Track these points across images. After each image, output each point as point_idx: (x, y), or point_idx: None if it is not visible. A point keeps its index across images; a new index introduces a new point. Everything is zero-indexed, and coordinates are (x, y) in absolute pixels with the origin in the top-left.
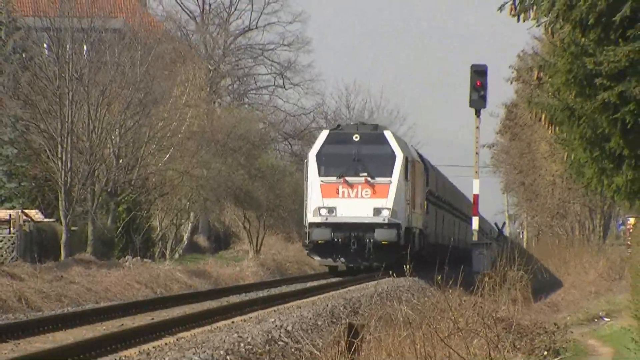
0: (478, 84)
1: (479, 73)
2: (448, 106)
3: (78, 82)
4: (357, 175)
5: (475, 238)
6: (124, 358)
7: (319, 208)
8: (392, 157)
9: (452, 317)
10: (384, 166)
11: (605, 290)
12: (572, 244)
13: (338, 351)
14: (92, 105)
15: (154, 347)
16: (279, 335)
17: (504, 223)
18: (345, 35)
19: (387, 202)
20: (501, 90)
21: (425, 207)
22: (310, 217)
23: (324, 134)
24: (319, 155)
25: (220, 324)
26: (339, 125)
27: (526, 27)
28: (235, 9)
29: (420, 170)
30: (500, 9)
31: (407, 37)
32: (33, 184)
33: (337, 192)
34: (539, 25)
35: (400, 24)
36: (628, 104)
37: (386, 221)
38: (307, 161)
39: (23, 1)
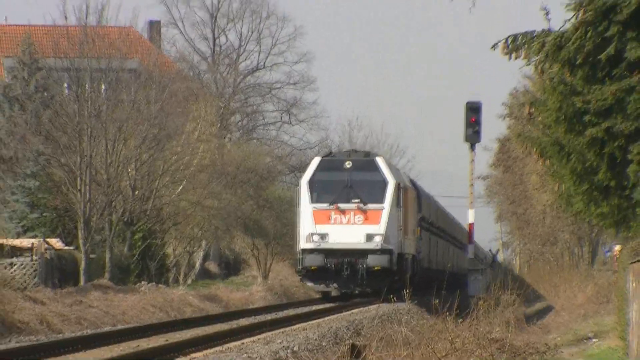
0: (472, 120)
1: (473, 110)
2: (445, 140)
3: (96, 118)
4: (349, 201)
5: (470, 264)
6: None
7: (312, 234)
8: (384, 183)
9: (449, 338)
10: (376, 192)
11: (593, 313)
12: (561, 269)
13: None
14: (110, 141)
15: None
16: (286, 356)
17: (498, 250)
18: (349, 73)
19: (380, 228)
20: (494, 126)
21: (418, 233)
22: (303, 244)
23: (315, 161)
24: (311, 182)
25: (231, 345)
26: (330, 152)
27: (518, 66)
28: (244, 50)
29: (413, 197)
30: (494, 47)
31: (408, 76)
32: (54, 214)
33: (330, 219)
34: (529, 64)
35: (401, 64)
36: (615, 140)
37: (379, 247)
38: (299, 188)
39: (44, 43)
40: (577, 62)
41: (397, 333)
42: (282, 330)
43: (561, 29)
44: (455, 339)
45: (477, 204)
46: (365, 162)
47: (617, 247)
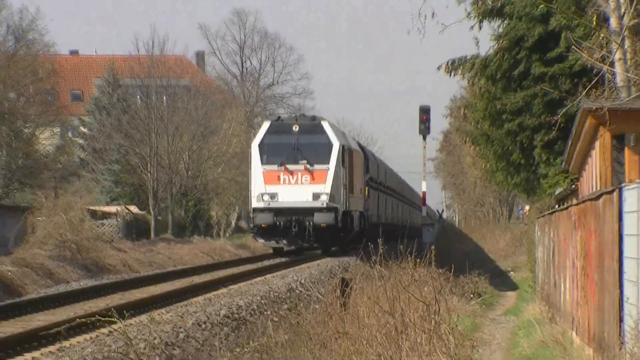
0: (424, 118)
1: (424, 111)
2: (407, 133)
3: (160, 121)
4: (296, 163)
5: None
6: (194, 302)
7: (262, 194)
8: (329, 145)
9: (410, 273)
10: (322, 154)
11: (510, 254)
12: (488, 223)
13: (335, 296)
14: (170, 136)
15: (213, 295)
16: (296, 286)
17: (443, 210)
18: (338, 84)
19: (325, 188)
20: (440, 122)
21: (367, 192)
22: (254, 203)
23: (265, 125)
24: (261, 145)
25: (257, 279)
26: (279, 117)
27: (456, 80)
28: (263, 71)
29: (360, 159)
30: (439, 68)
31: (379, 86)
32: (131, 189)
33: (279, 179)
34: (464, 79)
35: (375, 78)
36: (525, 131)
37: (324, 205)
38: (251, 151)
39: (123, 67)
40: (497, 77)
41: (374, 270)
42: (292, 268)
43: (486, 53)
44: (414, 273)
45: (428, 178)
46: (312, 125)
47: (527, 207)
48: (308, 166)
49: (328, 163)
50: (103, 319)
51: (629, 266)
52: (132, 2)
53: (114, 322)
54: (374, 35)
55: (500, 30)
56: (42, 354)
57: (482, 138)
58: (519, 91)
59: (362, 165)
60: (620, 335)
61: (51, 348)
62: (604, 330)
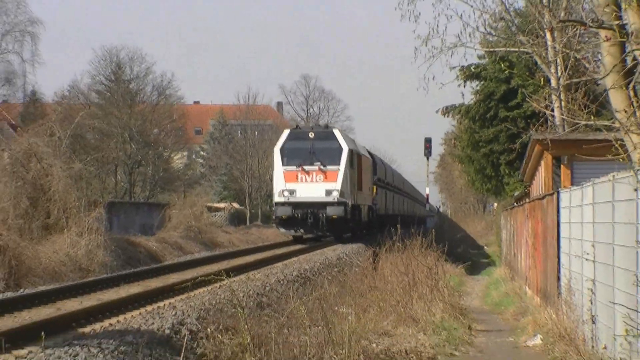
0: (427, 145)
1: (428, 140)
2: (416, 154)
3: (253, 147)
4: (312, 164)
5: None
6: (275, 266)
7: (283, 190)
8: (340, 149)
9: (419, 247)
10: (333, 157)
11: (484, 235)
12: (469, 215)
13: (369, 263)
14: (259, 158)
15: (289, 262)
16: (343, 256)
17: (440, 206)
18: (370, 118)
19: (336, 185)
20: (438, 147)
21: (375, 189)
22: (276, 198)
23: (285, 133)
24: (282, 149)
25: (317, 251)
26: (297, 126)
27: (448, 120)
28: (321, 115)
29: (368, 163)
30: (437, 111)
31: (398, 120)
32: (234, 192)
33: (297, 178)
34: (454, 119)
35: (395, 115)
36: (494, 154)
37: (335, 200)
38: (274, 154)
39: (228, 112)
40: (476, 118)
41: (394, 245)
42: (340, 245)
43: (469, 103)
44: (421, 248)
45: (430, 184)
46: (325, 132)
47: (495, 204)
48: (322, 167)
49: (339, 164)
50: (216, 277)
51: (563, 243)
52: (237, 69)
53: (223, 280)
54: (395, 86)
55: (478, 87)
56: (175, 300)
57: (466, 159)
58: (490, 128)
59: (370, 168)
60: (558, 288)
61: (182, 296)
62: (547, 285)
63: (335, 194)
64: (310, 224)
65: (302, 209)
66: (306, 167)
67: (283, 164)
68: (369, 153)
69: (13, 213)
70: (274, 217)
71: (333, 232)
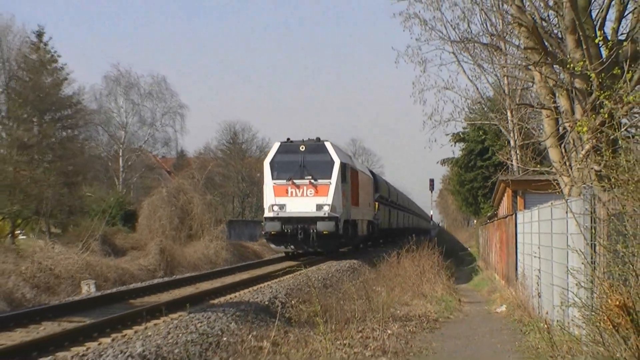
0: (431, 183)
1: (431, 180)
2: (424, 189)
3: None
4: (302, 178)
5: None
6: (332, 262)
7: (272, 205)
8: (331, 163)
9: (427, 250)
10: (325, 170)
11: (468, 240)
12: (459, 228)
13: (394, 258)
14: None
15: (316, 267)
16: (379, 255)
17: (440, 223)
18: (392, 162)
19: (327, 200)
20: (438, 185)
21: (377, 206)
22: (266, 212)
23: (276, 146)
24: (272, 163)
25: (333, 262)
26: (288, 139)
27: (445, 167)
28: (365, 164)
29: (368, 180)
30: (438, 162)
31: (410, 165)
32: None
33: (287, 192)
34: (448, 167)
35: (405, 159)
36: (474, 190)
37: (326, 215)
38: (263, 168)
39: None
40: (462, 166)
41: (409, 250)
42: (375, 248)
43: (458, 156)
44: (427, 249)
45: (433, 208)
46: (316, 145)
47: (475, 221)
48: (312, 181)
49: (330, 178)
50: (297, 268)
51: (519, 246)
52: (315, 127)
53: (302, 269)
54: (410, 144)
55: (463, 146)
56: (271, 282)
57: (456, 192)
58: (471, 172)
59: (371, 185)
60: (516, 275)
61: (275, 280)
62: (509, 273)
63: (327, 209)
64: (300, 240)
65: (292, 224)
66: (296, 181)
67: (273, 178)
68: (371, 172)
69: (169, 227)
70: (263, 232)
71: (324, 248)
